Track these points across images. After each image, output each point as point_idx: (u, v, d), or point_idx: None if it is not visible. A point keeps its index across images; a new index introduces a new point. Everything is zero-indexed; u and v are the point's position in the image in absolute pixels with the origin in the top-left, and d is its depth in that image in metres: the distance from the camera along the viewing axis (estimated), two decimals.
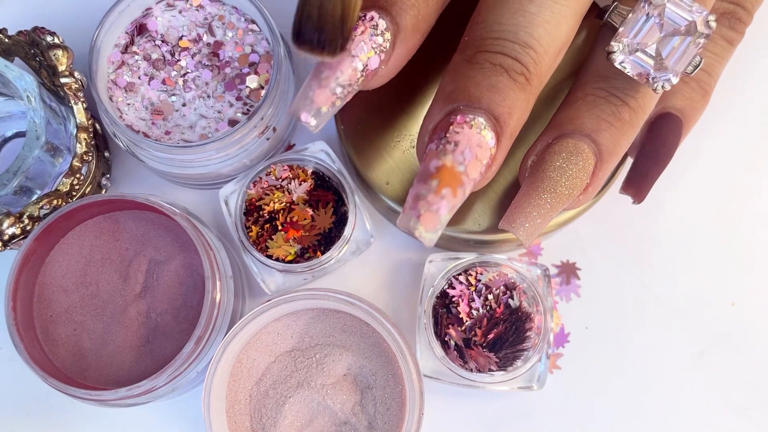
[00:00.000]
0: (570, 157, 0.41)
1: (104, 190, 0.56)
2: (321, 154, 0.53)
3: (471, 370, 0.51)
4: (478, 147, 0.37)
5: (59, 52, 0.51)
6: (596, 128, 0.42)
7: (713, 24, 0.37)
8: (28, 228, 0.49)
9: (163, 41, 0.53)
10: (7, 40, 0.52)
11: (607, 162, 0.43)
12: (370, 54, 0.40)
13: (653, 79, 0.38)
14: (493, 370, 0.51)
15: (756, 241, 0.57)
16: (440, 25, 0.45)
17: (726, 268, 0.57)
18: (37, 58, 0.52)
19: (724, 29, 0.49)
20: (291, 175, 0.52)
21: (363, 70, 0.40)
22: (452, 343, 0.51)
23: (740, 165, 0.58)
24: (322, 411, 0.51)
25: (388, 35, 0.41)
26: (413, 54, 0.44)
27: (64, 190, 0.50)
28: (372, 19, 0.40)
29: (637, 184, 0.48)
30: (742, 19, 0.50)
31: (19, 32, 0.52)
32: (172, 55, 0.53)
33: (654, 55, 0.38)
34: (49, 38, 0.51)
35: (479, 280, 0.51)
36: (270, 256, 0.52)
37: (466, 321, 0.51)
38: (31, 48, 0.52)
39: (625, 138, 0.42)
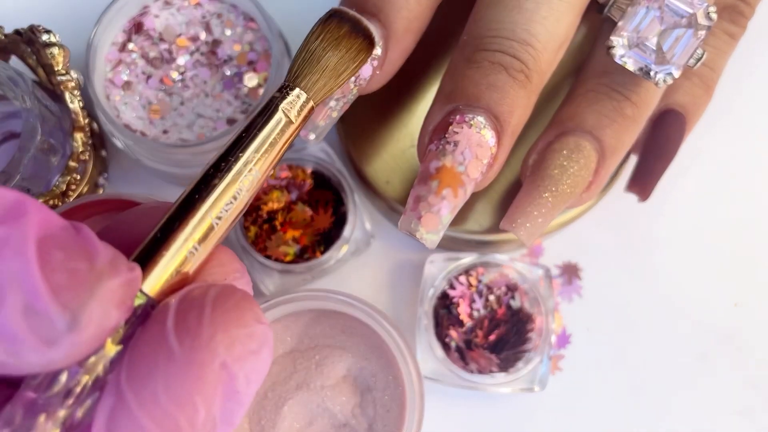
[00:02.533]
0: (571, 154, 0.41)
1: (101, 190, 0.56)
2: (321, 153, 0.53)
3: (472, 372, 0.51)
4: (478, 146, 0.37)
5: (55, 51, 0.50)
6: (598, 125, 0.41)
7: (714, 16, 0.37)
8: None
9: (160, 39, 0.53)
10: (3, 37, 0.51)
11: (610, 159, 0.42)
12: None
13: (655, 72, 0.38)
14: (494, 372, 0.51)
15: (759, 242, 0.57)
16: (439, 22, 0.44)
17: (729, 269, 0.56)
18: (34, 57, 0.52)
19: (726, 23, 0.49)
20: (290, 175, 0.52)
21: (355, 81, 0.40)
22: (453, 344, 0.51)
23: (744, 163, 0.58)
24: (322, 413, 0.50)
25: (379, 41, 0.40)
26: (410, 54, 0.43)
27: (61, 189, 0.50)
28: None
29: (642, 182, 0.48)
30: (743, 12, 0.49)
31: (16, 30, 0.51)
32: (170, 53, 0.53)
33: (655, 48, 0.38)
34: (45, 36, 0.50)
35: (480, 281, 0.51)
36: (269, 257, 0.51)
37: (467, 322, 0.50)
38: (28, 46, 0.51)
39: (628, 134, 0.42)
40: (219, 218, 0.29)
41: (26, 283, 0.22)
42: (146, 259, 0.27)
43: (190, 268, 0.28)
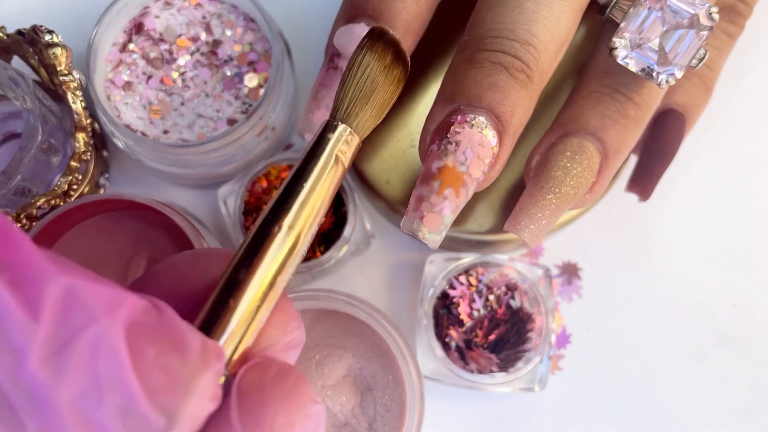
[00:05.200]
0: (575, 156, 0.41)
1: (102, 190, 0.56)
2: None
3: (472, 372, 0.51)
4: (479, 146, 0.37)
5: (58, 51, 0.50)
6: (601, 126, 0.41)
7: (716, 16, 0.37)
8: (27, 228, 0.49)
9: (161, 40, 0.53)
10: (6, 38, 0.51)
11: (613, 160, 0.42)
12: None
13: (657, 73, 0.38)
14: (494, 372, 0.51)
15: (759, 241, 0.57)
16: (439, 23, 0.44)
17: (729, 269, 0.56)
18: (36, 57, 0.52)
19: (724, 23, 0.49)
20: None
21: None
22: (453, 344, 0.51)
23: (743, 163, 0.58)
24: None
25: None
26: (410, 54, 0.43)
27: (62, 189, 0.50)
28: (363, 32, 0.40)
29: (643, 182, 0.48)
30: (742, 12, 0.50)
31: (18, 31, 0.51)
32: (171, 53, 0.53)
33: (657, 49, 0.38)
34: (47, 37, 0.50)
35: (480, 281, 0.51)
36: None
37: (467, 322, 0.50)
38: (30, 46, 0.51)
39: (631, 135, 0.42)
40: (279, 273, 0.29)
41: (122, 385, 0.22)
42: (215, 324, 0.27)
43: (255, 329, 0.28)
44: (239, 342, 0.28)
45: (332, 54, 0.42)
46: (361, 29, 0.40)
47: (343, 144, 0.32)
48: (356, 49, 0.36)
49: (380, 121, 0.34)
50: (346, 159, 0.32)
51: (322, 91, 0.41)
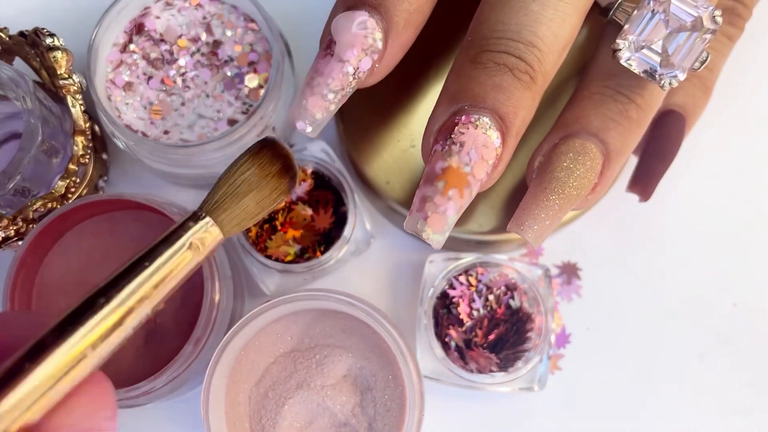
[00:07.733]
0: (577, 157, 0.41)
1: (101, 192, 0.56)
2: (321, 153, 0.53)
3: (471, 371, 0.51)
4: (483, 147, 0.37)
5: (58, 54, 0.50)
6: (603, 127, 0.41)
7: (719, 19, 0.37)
8: (23, 230, 0.49)
9: (161, 40, 0.53)
10: (8, 39, 0.51)
11: (615, 161, 0.42)
12: (361, 56, 0.40)
13: (660, 75, 0.38)
14: (493, 371, 0.51)
15: (758, 242, 0.57)
16: (439, 23, 0.44)
17: (728, 269, 0.56)
18: (38, 59, 0.51)
19: (724, 25, 0.50)
20: None
21: (354, 74, 0.40)
22: (453, 343, 0.51)
23: (743, 163, 0.58)
24: (322, 412, 0.51)
25: (379, 35, 0.40)
26: (409, 48, 0.43)
27: (60, 192, 0.50)
28: (362, 21, 0.40)
29: (643, 183, 0.48)
30: (741, 14, 0.50)
31: (20, 32, 0.51)
32: (171, 54, 0.53)
33: (660, 51, 0.38)
34: (48, 40, 0.50)
35: (480, 281, 0.51)
36: (269, 257, 0.51)
37: (467, 321, 0.50)
38: (32, 48, 0.51)
39: (633, 136, 0.42)
40: (95, 347, 0.28)
41: None
42: (4, 387, 0.26)
43: (49, 401, 0.26)
44: (24, 411, 0.26)
45: (329, 41, 0.42)
46: (361, 16, 0.39)
47: (202, 233, 0.32)
48: (244, 151, 0.36)
49: (250, 224, 0.35)
50: (204, 247, 0.32)
51: (317, 78, 0.41)
